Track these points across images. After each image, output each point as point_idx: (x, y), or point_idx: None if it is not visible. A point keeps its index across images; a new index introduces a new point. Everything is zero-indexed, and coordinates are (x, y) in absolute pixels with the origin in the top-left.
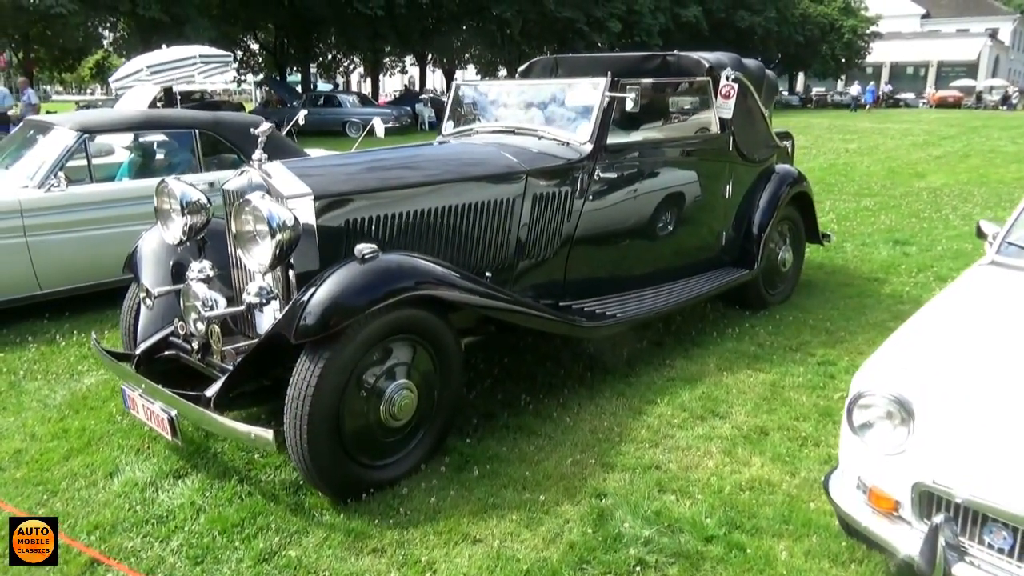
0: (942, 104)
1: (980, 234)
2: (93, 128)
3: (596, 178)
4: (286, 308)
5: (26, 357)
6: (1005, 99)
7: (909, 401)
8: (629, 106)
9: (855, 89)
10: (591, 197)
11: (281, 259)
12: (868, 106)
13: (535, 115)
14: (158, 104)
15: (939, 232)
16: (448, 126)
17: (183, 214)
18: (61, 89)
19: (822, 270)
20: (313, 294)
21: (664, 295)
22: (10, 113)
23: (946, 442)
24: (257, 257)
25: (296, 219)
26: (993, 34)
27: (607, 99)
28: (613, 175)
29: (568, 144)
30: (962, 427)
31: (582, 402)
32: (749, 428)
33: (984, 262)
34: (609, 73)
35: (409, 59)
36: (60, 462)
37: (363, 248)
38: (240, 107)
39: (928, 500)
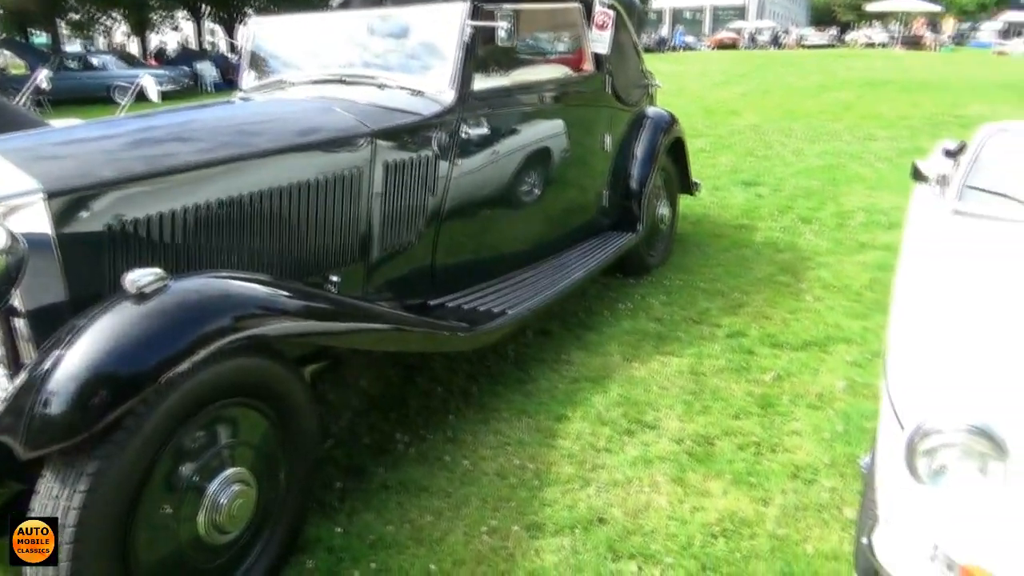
0: (721, 46)
1: (918, 176)
2: None
3: (463, 136)
4: (11, 391)
5: None
6: (775, 39)
7: (996, 431)
8: (502, 36)
9: (665, 32)
10: (458, 160)
11: None
12: (680, 48)
13: (369, 57)
14: None
15: (780, 170)
16: (249, 78)
17: None
18: None
19: (686, 220)
20: (56, 367)
21: (553, 275)
22: None
23: None
24: None
25: (12, 235)
26: None
27: (469, 31)
28: (484, 131)
29: (422, 94)
30: None
31: (476, 431)
32: (690, 439)
33: (945, 211)
34: None
35: (181, 14)
36: None
37: (140, 277)
38: None
39: None
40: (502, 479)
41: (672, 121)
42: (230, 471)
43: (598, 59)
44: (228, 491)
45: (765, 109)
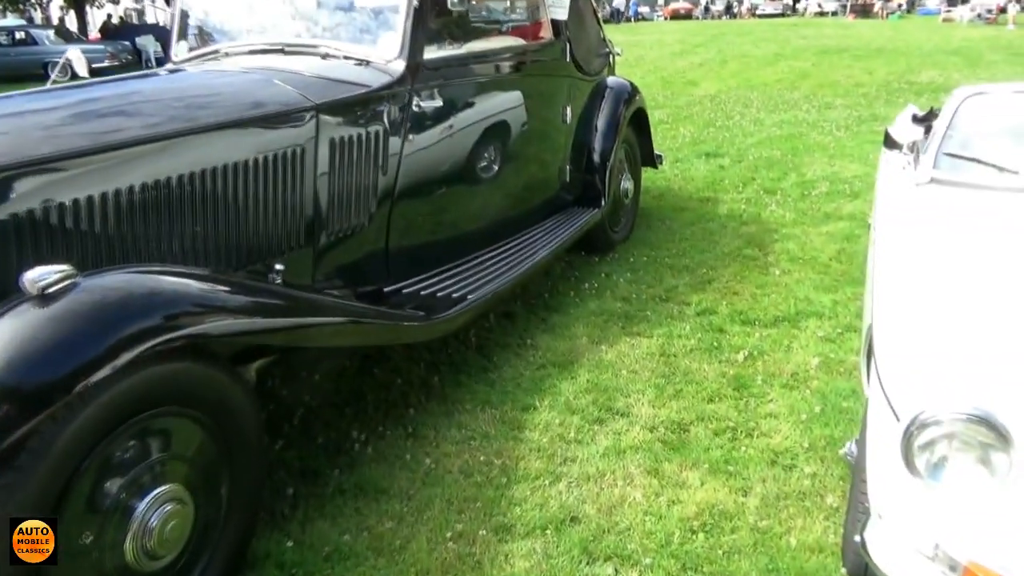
0: (675, 16)
1: (891, 143)
2: None
3: (416, 109)
4: None
5: None
6: (728, 8)
7: (997, 418)
8: (454, 1)
9: (619, 2)
10: (411, 136)
11: None
12: (632, 19)
13: (310, 24)
14: None
15: (740, 140)
16: (181, 48)
17: None
18: None
19: (649, 194)
20: None
21: (515, 255)
22: None
23: None
24: None
25: None
26: None
27: None
28: (437, 103)
29: (369, 64)
30: None
31: (438, 425)
32: (663, 426)
33: (921, 180)
34: None
35: None
36: None
37: (43, 276)
38: None
39: None
40: (467, 477)
41: (634, 91)
42: (161, 489)
43: (556, 26)
44: (159, 512)
45: (723, 79)
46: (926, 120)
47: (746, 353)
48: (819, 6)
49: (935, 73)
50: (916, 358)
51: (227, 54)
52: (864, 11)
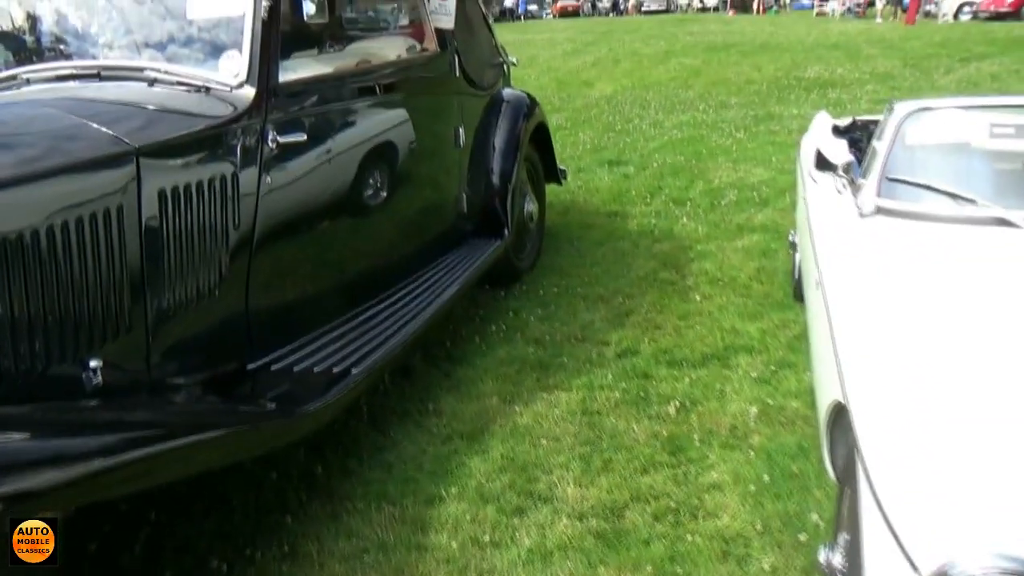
0: (564, 13)
1: (824, 165)
2: None
3: (271, 144)
4: None
5: None
6: (615, 5)
7: None
8: (310, 13)
9: (510, 1)
10: (267, 175)
11: None
12: (523, 17)
13: (131, 39)
14: None
15: (642, 145)
16: None
17: None
18: None
19: (553, 210)
20: None
21: (410, 305)
22: None
23: None
24: None
25: None
26: None
27: (267, 3)
28: (299, 136)
29: (209, 90)
30: None
31: (323, 534)
32: (593, 512)
33: (865, 211)
34: None
35: None
36: None
37: None
38: None
39: None
40: None
41: (533, 104)
42: None
43: (442, 36)
44: None
45: (617, 78)
46: (849, 132)
47: (677, 404)
48: (702, 2)
49: (820, 68)
50: (929, 483)
51: (28, 80)
52: (744, 6)
